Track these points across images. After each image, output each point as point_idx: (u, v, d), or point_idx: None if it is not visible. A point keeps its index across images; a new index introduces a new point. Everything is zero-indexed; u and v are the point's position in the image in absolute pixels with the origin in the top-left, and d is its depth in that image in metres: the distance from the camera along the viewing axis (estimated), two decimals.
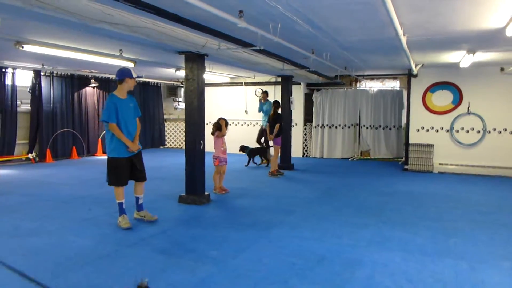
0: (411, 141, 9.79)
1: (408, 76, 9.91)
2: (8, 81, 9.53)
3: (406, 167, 9.80)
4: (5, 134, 9.53)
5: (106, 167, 4.80)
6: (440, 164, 9.57)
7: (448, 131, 9.52)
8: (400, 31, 4.75)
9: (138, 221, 5.02)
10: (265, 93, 10.39)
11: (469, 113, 9.29)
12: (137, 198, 5.04)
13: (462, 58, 7.41)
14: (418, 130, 9.77)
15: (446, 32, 5.41)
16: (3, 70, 9.35)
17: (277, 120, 8.61)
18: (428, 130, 9.71)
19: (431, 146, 9.60)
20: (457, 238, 4.57)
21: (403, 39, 5.22)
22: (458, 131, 9.43)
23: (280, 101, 9.17)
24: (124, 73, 4.74)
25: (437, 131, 9.63)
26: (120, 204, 4.83)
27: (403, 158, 10.40)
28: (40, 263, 3.65)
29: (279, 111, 8.81)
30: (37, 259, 3.76)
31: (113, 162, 4.74)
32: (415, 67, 8.60)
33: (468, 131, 9.35)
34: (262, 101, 10.26)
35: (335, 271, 3.56)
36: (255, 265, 3.67)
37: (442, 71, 9.43)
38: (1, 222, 4.95)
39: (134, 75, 4.80)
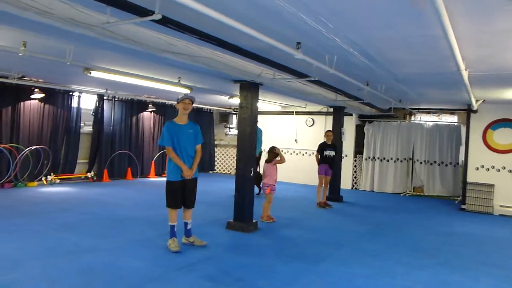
0: (469, 179, 9.27)
1: (467, 111, 9.50)
2: (74, 104, 10.21)
3: (463, 206, 9.25)
4: (68, 153, 10.13)
5: (166, 190, 4.94)
6: (501, 206, 8.95)
7: (510, 171, 8.93)
8: (462, 66, 4.59)
9: (186, 246, 5.06)
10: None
11: None
12: (186, 224, 5.11)
13: None
14: (478, 169, 9.25)
15: (511, 68, 5.16)
16: (71, 93, 10.05)
17: (318, 149, 8.77)
18: (488, 169, 9.17)
19: (491, 186, 9.03)
20: None
21: (465, 74, 5.04)
22: None
23: (329, 130, 9.11)
24: (176, 100, 4.96)
25: (499, 170, 9.07)
26: (172, 227, 4.92)
27: (460, 197, 9.85)
28: (92, 282, 3.76)
29: (326, 140, 8.79)
30: (90, 277, 3.88)
31: (169, 184, 4.89)
32: (476, 102, 8.23)
33: None
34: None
35: None
36: None
37: (504, 107, 8.96)
38: (61, 238, 5.18)
39: (180, 98, 4.89)
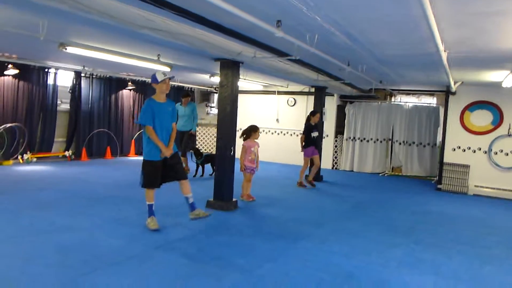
0: (446, 160, 9.48)
1: (446, 93, 9.64)
2: (50, 81, 9.90)
3: (439, 186, 9.49)
4: (45, 131, 9.89)
5: (142, 169, 4.85)
6: (475, 186, 9.21)
7: (486, 152, 9.16)
8: (441, 47, 4.60)
9: (167, 224, 5.03)
10: (187, 96, 9.21)
11: (509, 135, 8.91)
12: (187, 199, 4.97)
13: (505, 77, 7.13)
14: (454, 150, 9.45)
15: (489, 50, 5.22)
16: (46, 70, 9.74)
17: (305, 131, 8.63)
18: (464, 150, 9.37)
19: (467, 166, 9.26)
20: (493, 266, 4.36)
21: (444, 55, 5.07)
22: (496, 153, 9.06)
23: (315, 111, 9.01)
24: (153, 79, 4.81)
25: (474, 151, 9.28)
26: (150, 206, 4.89)
27: (437, 177, 10.08)
28: (69, 260, 3.73)
29: (312, 122, 8.72)
30: (67, 255, 3.85)
31: (147, 164, 4.80)
32: (454, 84, 8.34)
33: (507, 154, 8.96)
34: (184, 105, 9.16)
35: None
36: (282, 278, 3.62)
37: (482, 89, 9.11)
38: (38, 217, 5.11)
39: (160, 78, 4.75)
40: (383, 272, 3.92)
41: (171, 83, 12.41)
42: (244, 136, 6.87)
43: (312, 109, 9.40)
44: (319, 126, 9.35)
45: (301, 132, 8.90)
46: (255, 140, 6.86)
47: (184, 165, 8.41)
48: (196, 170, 9.14)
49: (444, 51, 4.95)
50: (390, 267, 4.07)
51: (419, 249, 4.74)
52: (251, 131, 6.82)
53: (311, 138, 8.60)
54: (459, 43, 4.90)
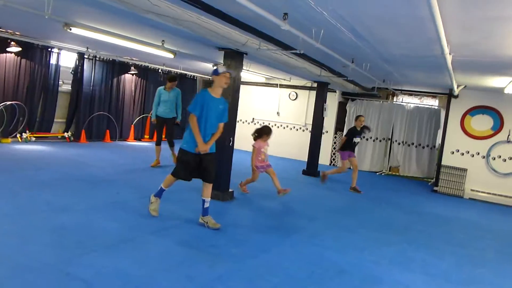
0: (443, 162, 9.51)
1: (448, 96, 9.64)
2: (53, 60, 9.87)
3: (435, 188, 9.53)
4: (45, 111, 9.88)
5: (177, 158, 4.73)
6: (471, 190, 9.25)
7: (484, 157, 9.19)
8: (446, 50, 4.60)
9: (165, 211, 5.04)
10: (173, 80, 8.22)
11: (509, 141, 8.94)
12: (204, 202, 4.72)
13: (508, 84, 7.13)
14: (453, 153, 9.48)
15: (494, 56, 5.22)
16: (49, 49, 9.69)
17: (348, 134, 8.29)
18: (463, 154, 9.41)
19: (464, 170, 9.29)
20: (484, 268, 4.41)
21: (448, 58, 5.06)
22: (494, 159, 9.09)
23: (359, 116, 8.55)
24: (214, 71, 4.64)
25: (473, 156, 9.31)
26: (162, 190, 4.77)
27: (433, 179, 10.12)
28: (65, 240, 3.76)
29: (356, 126, 8.33)
30: (62, 236, 3.87)
31: (182, 153, 4.60)
32: (457, 87, 8.34)
33: (505, 160, 9.00)
34: (167, 89, 8.18)
35: (353, 285, 3.50)
36: (274, 269, 3.66)
37: (484, 94, 9.11)
38: (34, 196, 5.12)
39: (221, 70, 4.58)
40: (374, 269, 3.96)
41: (172, 70, 12.32)
42: (256, 135, 6.63)
43: (358, 114, 8.87)
44: (318, 123, 9.34)
45: (344, 134, 8.47)
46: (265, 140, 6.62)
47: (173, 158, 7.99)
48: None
49: (449, 53, 4.94)
50: (382, 264, 4.12)
51: (412, 248, 4.79)
52: (264, 133, 6.57)
53: (351, 143, 8.24)
54: (464, 47, 4.90)
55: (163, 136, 8.24)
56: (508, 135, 8.94)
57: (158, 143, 8.20)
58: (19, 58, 9.12)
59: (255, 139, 6.65)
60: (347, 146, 8.24)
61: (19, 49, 8.88)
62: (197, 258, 3.71)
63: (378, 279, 3.70)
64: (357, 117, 8.47)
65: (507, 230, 6.41)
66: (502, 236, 6.02)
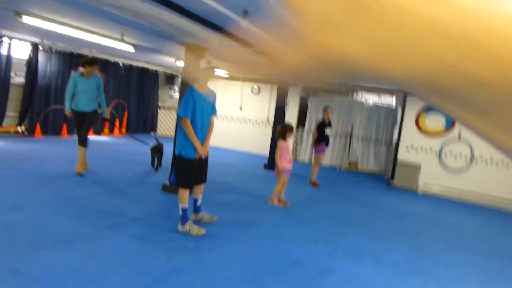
0: (399, 158, 9.89)
1: (404, 93, 10.00)
2: (3, 51, 9.42)
3: (391, 183, 9.91)
4: None
5: (176, 167, 4.46)
6: (425, 185, 9.69)
7: (437, 154, 9.63)
8: None
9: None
10: (94, 64, 6.68)
11: (459, 139, 9.41)
12: (196, 200, 4.70)
13: None
14: (408, 148, 9.88)
15: None
16: None
17: (318, 127, 8.31)
18: (417, 150, 9.82)
19: (418, 166, 9.71)
20: (431, 258, 4.65)
21: None
22: (446, 156, 9.56)
23: (327, 106, 8.61)
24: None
25: (426, 152, 9.74)
26: (185, 211, 4.34)
27: (390, 174, 10.51)
28: (16, 238, 3.64)
29: (325, 118, 8.40)
30: (13, 234, 3.75)
31: (185, 163, 4.28)
32: None
33: (456, 157, 9.47)
34: (86, 76, 6.55)
35: (307, 276, 3.62)
36: (230, 262, 3.71)
37: None
38: None
39: (203, 66, 4.40)
40: (328, 260, 4.10)
41: (133, 64, 12.05)
42: (282, 136, 6.11)
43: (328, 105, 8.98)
44: (280, 118, 9.47)
45: (315, 129, 8.53)
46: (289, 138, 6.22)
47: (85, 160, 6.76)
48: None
49: None
50: (336, 255, 4.26)
51: (365, 240, 4.98)
52: (287, 131, 6.12)
53: (324, 136, 8.24)
54: None
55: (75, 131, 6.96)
56: (459, 134, 9.39)
57: (82, 143, 6.78)
58: None
59: (278, 139, 6.18)
60: (321, 140, 8.31)
61: None
62: (152, 252, 3.70)
63: (331, 269, 3.84)
64: (325, 108, 8.54)
65: (456, 223, 6.77)
66: (450, 228, 6.36)
